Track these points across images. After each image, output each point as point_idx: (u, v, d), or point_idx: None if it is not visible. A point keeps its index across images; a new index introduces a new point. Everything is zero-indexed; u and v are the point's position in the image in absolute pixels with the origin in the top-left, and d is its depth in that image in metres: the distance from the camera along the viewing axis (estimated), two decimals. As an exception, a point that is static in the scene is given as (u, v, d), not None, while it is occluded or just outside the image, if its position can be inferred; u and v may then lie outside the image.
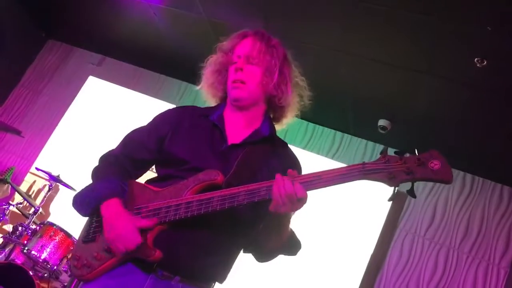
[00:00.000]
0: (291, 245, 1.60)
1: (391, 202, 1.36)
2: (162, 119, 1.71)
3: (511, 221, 4.12)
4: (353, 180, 1.33)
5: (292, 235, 1.58)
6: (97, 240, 1.52)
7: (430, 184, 4.39)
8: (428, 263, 4.16)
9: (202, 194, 1.42)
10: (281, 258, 1.64)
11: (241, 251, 1.64)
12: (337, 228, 4.32)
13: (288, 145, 1.75)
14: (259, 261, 1.66)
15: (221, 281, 1.59)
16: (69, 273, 3.38)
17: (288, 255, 1.62)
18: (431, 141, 4.17)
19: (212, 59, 1.76)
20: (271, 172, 1.43)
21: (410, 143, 4.38)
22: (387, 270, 4.21)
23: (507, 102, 3.30)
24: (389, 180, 1.31)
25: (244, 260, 1.71)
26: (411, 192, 1.34)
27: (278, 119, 1.75)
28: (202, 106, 1.78)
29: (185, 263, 1.45)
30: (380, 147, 4.60)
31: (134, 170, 1.66)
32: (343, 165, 4.37)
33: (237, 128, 1.65)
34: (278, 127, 1.76)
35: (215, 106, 1.74)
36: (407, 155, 1.34)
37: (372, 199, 4.36)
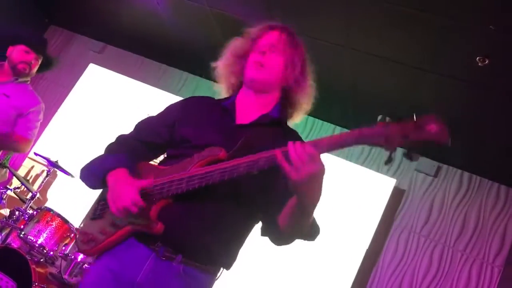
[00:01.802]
0: (312, 231, 1.58)
1: (388, 164, 1.31)
2: (173, 106, 1.77)
3: (506, 220, 4.14)
4: (350, 146, 1.33)
5: (313, 220, 1.56)
6: (104, 216, 1.57)
7: (428, 181, 4.40)
8: (423, 260, 4.18)
9: (204, 168, 1.43)
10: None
11: (248, 233, 1.62)
12: (333, 223, 4.33)
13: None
14: (275, 243, 1.62)
15: (227, 266, 1.58)
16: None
17: (306, 240, 1.59)
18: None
19: (235, 43, 1.77)
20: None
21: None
22: (381, 265, 4.24)
23: (507, 101, 3.30)
24: (386, 144, 1.30)
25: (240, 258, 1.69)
26: (408, 155, 1.32)
27: (290, 113, 1.76)
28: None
29: (188, 238, 1.46)
30: (379, 143, 4.61)
31: (145, 152, 1.70)
32: (342, 160, 4.34)
33: (248, 111, 1.66)
34: (295, 120, 1.79)
35: (226, 97, 1.77)
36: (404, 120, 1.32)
37: (369, 194, 4.37)
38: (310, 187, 1.33)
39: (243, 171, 1.37)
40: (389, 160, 1.33)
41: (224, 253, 1.55)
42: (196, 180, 1.42)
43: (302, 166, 1.27)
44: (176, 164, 1.53)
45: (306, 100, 1.75)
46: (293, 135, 1.68)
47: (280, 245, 1.62)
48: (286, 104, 1.73)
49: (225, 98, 1.76)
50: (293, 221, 1.48)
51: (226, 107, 1.68)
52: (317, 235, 1.60)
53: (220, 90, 1.81)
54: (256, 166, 1.36)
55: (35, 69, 3.46)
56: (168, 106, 1.79)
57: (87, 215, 1.67)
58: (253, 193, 1.53)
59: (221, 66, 1.77)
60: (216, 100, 1.76)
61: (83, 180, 1.67)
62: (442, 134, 1.26)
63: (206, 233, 1.48)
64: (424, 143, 1.28)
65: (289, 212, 1.46)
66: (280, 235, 1.57)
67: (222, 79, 1.78)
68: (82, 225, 1.67)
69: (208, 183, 1.40)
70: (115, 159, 1.59)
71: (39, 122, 3.52)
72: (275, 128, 1.64)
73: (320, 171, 1.30)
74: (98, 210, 1.61)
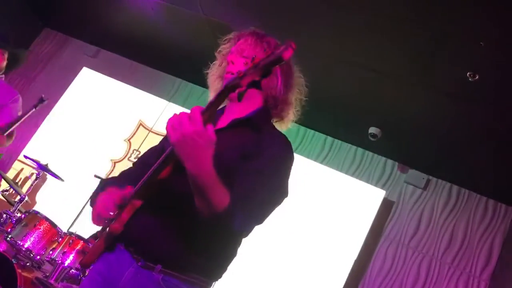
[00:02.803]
0: (240, 218, 1.39)
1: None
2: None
3: (494, 234, 4.17)
4: (222, 97, 1.35)
5: (245, 205, 1.39)
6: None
7: (417, 193, 4.43)
8: (410, 272, 4.20)
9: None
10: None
11: (234, 246, 1.56)
12: (322, 233, 4.34)
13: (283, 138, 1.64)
14: (235, 229, 1.41)
15: (213, 276, 1.53)
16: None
17: (238, 229, 1.41)
18: (420, 151, 4.22)
19: (215, 64, 1.79)
20: (243, 153, 1.47)
21: (399, 152, 4.43)
22: (369, 276, 4.24)
23: (496, 116, 3.34)
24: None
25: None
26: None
27: (277, 115, 1.72)
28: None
29: (164, 251, 1.45)
30: (369, 154, 4.64)
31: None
32: (333, 170, 4.36)
33: (230, 116, 1.66)
34: (282, 127, 1.74)
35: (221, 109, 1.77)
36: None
37: (358, 205, 4.39)
38: (186, 150, 1.26)
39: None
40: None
41: (204, 262, 1.48)
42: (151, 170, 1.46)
43: (178, 127, 1.24)
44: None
45: (287, 100, 1.70)
46: (273, 136, 1.60)
47: (233, 228, 1.40)
48: (268, 109, 1.68)
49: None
50: (196, 200, 1.36)
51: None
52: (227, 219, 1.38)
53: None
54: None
55: (2, 64, 3.44)
56: None
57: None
58: (186, 194, 1.42)
59: (213, 92, 1.78)
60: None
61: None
62: (286, 48, 1.25)
63: (180, 242, 1.45)
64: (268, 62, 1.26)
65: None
66: (202, 218, 1.40)
67: (211, 87, 1.81)
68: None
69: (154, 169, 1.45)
70: (105, 183, 1.68)
71: (17, 114, 3.49)
72: (248, 129, 1.58)
73: (193, 132, 1.23)
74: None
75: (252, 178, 1.43)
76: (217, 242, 1.49)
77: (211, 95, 1.78)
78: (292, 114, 1.75)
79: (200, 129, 1.23)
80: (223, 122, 1.65)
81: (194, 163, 1.28)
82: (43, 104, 3.33)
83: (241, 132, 1.58)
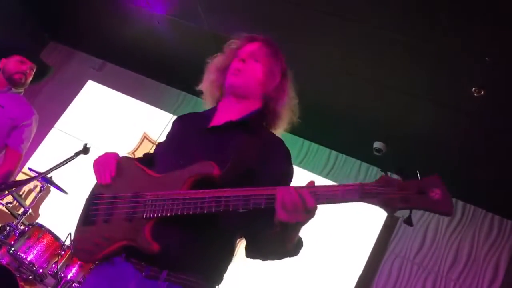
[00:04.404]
0: (295, 249, 1.53)
1: (384, 226, 1.23)
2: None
3: (500, 251, 4.12)
4: (348, 202, 1.27)
5: (298, 240, 1.52)
6: (97, 223, 1.54)
7: (422, 208, 4.40)
8: (415, 288, 4.15)
9: (198, 192, 1.40)
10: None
11: (235, 250, 1.60)
12: (327, 248, 4.30)
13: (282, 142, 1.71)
14: (262, 259, 1.60)
15: (217, 282, 1.55)
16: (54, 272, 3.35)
17: (292, 256, 1.56)
18: (425, 166, 4.19)
19: (218, 58, 1.80)
20: (250, 169, 1.49)
21: (404, 167, 4.40)
22: (374, 292, 4.20)
23: (502, 132, 3.33)
24: (385, 206, 1.24)
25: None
26: (408, 221, 1.28)
27: (270, 123, 1.76)
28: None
29: (173, 256, 1.44)
30: (374, 169, 4.62)
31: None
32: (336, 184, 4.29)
33: (225, 115, 1.67)
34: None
35: (211, 108, 1.79)
36: (408, 177, 1.26)
37: (363, 220, 4.35)
38: (294, 227, 1.34)
39: (238, 206, 1.34)
40: (389, 221, 1.27)
41: (211, 267, 1.51)
42: (191, 205, 1.40)
43: (294, 213, 1.26)
44: (167, 174, 1.52)
45: (286, 112, 1.74)
46: (273, 145, 1.65)
47: (266, 260, 1.59)
48: (265, 112, 1.73)
49: (209, 110, 1.78)
50: (274, 245, 1.47)
51: (206, 113, 1.71)
52: (299, 250, 1.55)
53: (206, 103, 1.83)
54: (253, 203, 1.33)
55: (29, 79, 3.36)
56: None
57: (79, 219, 1.63)
58: (238, 223, 1.52)
59: (205, 83, 1.80)
60: (200, 112, 1.79)
61: None
62: (446, 204, 1.18)
63: (189, 248, 1.45)
64: (425, 210, 1.22)
65: (271, 236, 1.43)
66: (263, 257, 1.56)
67: (206, 94, 1.81)
68: (74, 229, 1.64)
69: (202, 212, 1.38)
70: None
71: (32, 135, 3.45)
72: (249, 136, 1.60)
73: (309, 220, 1.29)
74: (90, 215, 1.58)
75: None
76: (220, 247, 1.52)
77: (204, 84, 1.80)
78: (287, 120, 1.78)
79: (313, 216, 1.29)
80: (223, 118, 1.66)
81: (293, 234, 1.39)
82: (86, 153, 3.18)
83: (246, 141, 1.58)
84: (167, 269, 1.43)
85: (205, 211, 1.38)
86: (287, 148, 1.67)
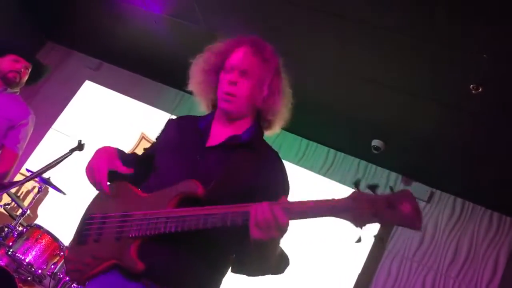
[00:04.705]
0: (277, 265, 1.56)
1: (358, 243, 1.25)
2: (161, 130, 1.82)
3: (499, 247, 4.12)
4: (319, 217, 1.28)
5: (280, 254, 1.53)
6: (88, 243, 1.56)
7: (421, 206, 4.39)
8: (415, 286, 4.15)
9: (181, 210, 1.43)
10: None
11: (228, 264, 1.60)
12: (325, 247, 4.30)
13: (278, 155, 1.71)
14: (247, 275, 1.61)
15: None
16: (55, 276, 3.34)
17: (275, 274, 1.58)
18: (423, 164, 4.20)
19: (203, 58, 1.76)
20: (251, 187, 1.49)
21: (402, 165, 4.40)
22: (373, 290, 4.20)
23: (501, 129, 3.33)
24: (355, 221, 1.25)
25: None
26: (378, 238, 1.30)
27: (265, 128, 1.75)
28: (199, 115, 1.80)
29: (166, 273, 1.45)
30: (372, 167, 4.62)
31: (136, 166, 1.71)
32: (335, 183, 4.33)
33: (221, 132, 1.66)
34: (269, 134, 1.77)
35: (207, 115, 1.76)
36: (380, 191, 1.26)
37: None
38: (269, 244, 1.36)
39: (216, 222, 1.35)
40: (358, 240, 1.27)
41: (207, 282, 1.54)
42: (173, 223, 1.41)
43: (267, 230, 1.28)
44: (154, 194, 1.53)
45: (279, 114, 1.72)
46: (270, 162, 1.64)
47: (251, 276, 1.60)
48: (262, 123, 1.72)
49: (205, 116, 1.75)
50: (256, 261, 1.49)
51: (200, 129, 1.68)
52: (285, 267, 1.58)
53: (201, 105, 1.81)
54: (230, 220, 1.34)
55: (25, 78, 3.30)
56: (163, 126, 1.82)
57: (72, 239, 1.67)
58: (226, 243, 1.53)
59: (193, 84, 1.77)
60: (195, 118, 1.76)
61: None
62: (414, 217, 1.19)
63: (187, 265, 1.47)
64: (395, 224, 1.23)
65: (252, 253, 1.44)
66: (246, 273, 1.57)
67: (199, 96, 1.79)
68: (68, 250, 1.67)
69: (183, 229, 1.39)
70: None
71: (29, 135, 3.41)
72: (247, 153, 1.60)
73: (282, 236, 1.32)
74: (83, 235, 1.60)
75: None
76: (215, 263, 1.54)
77: (194, 87, 1.78)
78: (279, 126, 1.78)
79: (285, 232, 1.31)
80: (219, 136, 1.64)
81: (269, 250, 1.42)
82: (81, 149, 3.16)
83: (241, 159, 1.58)
84: (166, 286, 1.45)
85: (185, 229, 1.39)
86: (283, 163, 1.68)
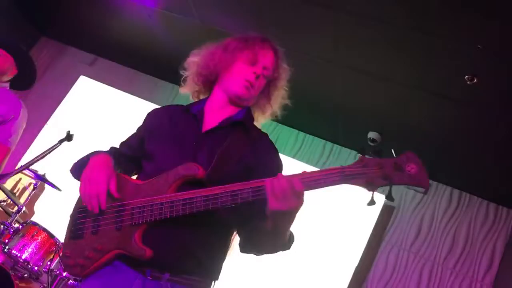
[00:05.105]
0: (288, 241, 1.57)
1: (371, 205, 1.31)
2: (146, 118, 1.82)
3: (495, 238, 4.14)
4: (332, 185, 1.33)
5: (290, 234, 1.55)
6: (85, 236, 1.54)
7: (418, 197, 4.41)
8: (412, 277, 4.16)
9: (185, 193, 1.42)
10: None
11: (230, 246, 1.62)
12: (323, 239, 4.31)
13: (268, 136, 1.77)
14: (256, 255, 1.64)
15: (215, 277, 1.57)
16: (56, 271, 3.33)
17: (284, 250, 1.59)
18: (420, 156, 4.18)
19: (229, 44, 1.77)
20: (247, 166, 1.52)
21: (379, 150, 4.40)
22: (371, 282, 4.21)
23: (496, 119, 3.33)
24: (367, 185, 1.31)
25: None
26: (389, 196, 1.34)
27: (257, 116, 1.82)
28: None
29: (172, 259, 1.46)
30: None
31: (123, 163, 1.72)
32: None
33: (216, 116, 1.70)
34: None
35: (197, 101, 1.80)
36: (384, 156, 1.33)
37: (358, 211, 4.36)
38: (287, 217, 1.37)
39: (226, 201, 1.37)
40: (372, 203, 1.33)
41: (210, 264, 1.54)
42: (179, 206, 1.41)
43: (284, 200, 1.30)
44: (152, 180, 1.53)
45: (274, 105, 1.81)
46: (262, 141, 1.71)
47: (260, 255, 1.62)
48: (254, 109, 1.79)
49: (195, 103, 1.78)
50: (268, 238, 1.50)
51: (194, 114, 1.70)
52: (291, 244, 1.59)
53: (186, 93, 1.85)
54: (240, 197, 1.36)
55: (5, 67, 3.11)
56: (145, 117, 1.83)
57: (66, 234, 1.63)
58: (233, 220, 1.56)
59: (201, 60, 1.79)
60: (185, 106, 1.78)
61: (71, 173, 1.71)
62: (422, 176, 1.28)
63: (188, 254, 1.48)
64: (404, 184, 1.29)
65: (264, 230, 1.46)
66: (257, 252, 1.59)
67: (193, 84, 1.81)
68: (63, 246, 1.64)
69: (192, 211, 1.40)
70: (100, 152, 1.67)
71: (22, 128, 3.33)
72: (241, 133, 1.65)
73: (300, 206, 1.33)
74: (78, 229, 1.57)
75: None
76: (218, 245, 1.56)
77: (193, 93, 1.83)
78: (268, 117, 1.85)
79: (302, 203, 1.34)
80: (214, 119, 1.68)
81: (287, 224, 1.42)
82: (70, 140, 3.10)
83: (237, 138, 1.62)
84: (168, 271, 1.45)
85: (195, 211, 1.39)
86: (273, 142, 1.75)
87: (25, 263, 3.22)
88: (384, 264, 4.25)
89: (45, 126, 5.26)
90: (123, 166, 1.69)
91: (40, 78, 5.54)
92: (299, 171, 1.36)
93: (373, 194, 1.32)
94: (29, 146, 5.14)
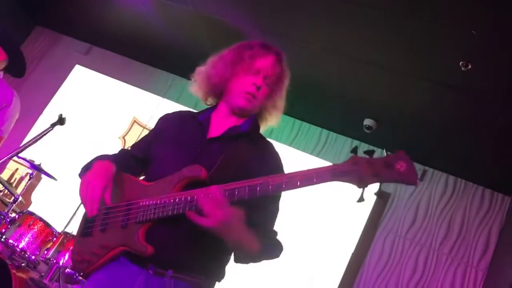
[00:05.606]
0: (269, 251, 1.60)
1: (360, 202, 1.37)
2: (156, 124, 1.86)
3: (491, 223, 4.17)
4: (323, 182, 1.37)
5: (270, 239, 1.59)
6: (94, 234, 1.61)
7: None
8: (408, 263, 4.20)
9: (186, 192, 1.46)
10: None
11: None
12: (319, 226, 4.33)
13: (273, 143, 1.78)
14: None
15: (218, 278, 1.61)
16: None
17: (268, 259, 1.62)
18: (415, 142, 4.20)
19: (229, 55, 1.77)
20: (249, 171, 1.51)
21: (394, 144, 4.41)
22: (367, 268, 4.24)
23: (491, 106, 3.33)
24: (358, 182, 1.34)
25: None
26: (379, 193, 1.39)
27: (263, 123, 1.83)
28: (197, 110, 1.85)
29: (174, 257, 1.49)
30: (365, 147, 4.63)
31: (133, 165, 1.78)
32: (329, 163, 4.37)
33: (221, 124, 1.72)
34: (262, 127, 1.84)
35: (205, 109, 1.82)
36: (376, 155, 1.35)
37: (354, 198, 4.37)
38: (228, 232, 1.40)
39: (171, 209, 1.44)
40: (361, 199, 1.37)
41: (213, 265, 1.57)
42: (181, 205, 1.45)
43: (212, 215, 1.35)
44: (157, 182, 1.57)
45: (277, 114, 1.82)
46: (267, 150, 1.72)
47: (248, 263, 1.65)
48: (258, 118, 1.80)
49: (203, 111, 1.81)
50: (235, 252, 1.56)
51: (200, 121, 1.73)
52: (279, 252, 1.63)
53: (197, 95, 1.84)
54: (179, 207, 1.44)
55: None
56: (157, 121, 1.86)
57: (77, 231, 1.71)
58: None
59: (208, 72, 1.77)
60: (193, 113, 1.82)
61: (80, 177, 1.72)
62: (411, 174, 1.30)
63: (192, 247, 1.51)
64: (393, 181, 1.33)
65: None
66: (238, 261, 1.61)
67: (203, 87, 1.80)
68: (74, 243, 1.70)
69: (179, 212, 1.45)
70: (106, 156, 1.75)
71: (15, 116, 3.30)
72: (246, 143, 1.67)
73: (230, 216, 1.36)
74: (88, 227, 1.64)
75: (270, 208, 1.62)
76: (222, 246, 1.54)
77: (202, 97, 1.83)
78: (278, 117, 1.87)
79: (233, 213, 1.37)
80: (220, 128, 1.70)
81: (235, 240, 1.45)
82: (62, 123, 3.08)
83: (241, 147, 1.65)
84: (172, 269, 1.49)
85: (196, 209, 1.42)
86: (278, 154, 1.75)
87: (22, 253, 3.24)
88: (380, 250, 4.28)
89: (41, 116, 5.24)
90: (132, 168, 1.74)
91: (36, 67, 5.52)
92: (296, 160, 1.39)
93: (363, 191, 1.36)
94: (25, 135, 5.13)
